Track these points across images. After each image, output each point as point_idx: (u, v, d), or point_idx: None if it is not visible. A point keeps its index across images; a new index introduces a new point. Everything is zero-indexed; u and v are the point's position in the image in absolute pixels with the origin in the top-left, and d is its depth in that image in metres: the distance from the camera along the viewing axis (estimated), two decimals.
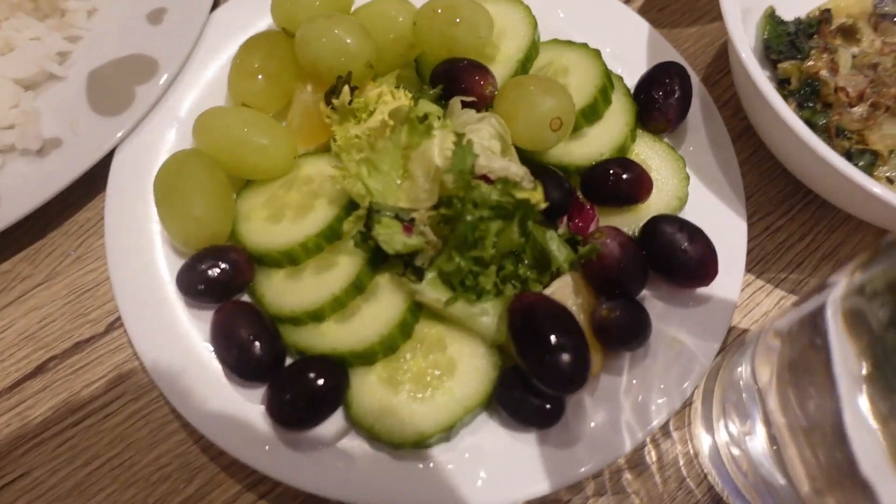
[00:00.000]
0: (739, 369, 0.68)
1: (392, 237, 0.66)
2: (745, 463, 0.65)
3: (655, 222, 0.73)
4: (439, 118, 0.72)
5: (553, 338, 0.61)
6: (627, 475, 0.73)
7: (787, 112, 0.70)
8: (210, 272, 0.69)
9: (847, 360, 0.48)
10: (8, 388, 0.75)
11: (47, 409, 0.74)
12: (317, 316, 0.69)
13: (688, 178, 0.79)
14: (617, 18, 0.91)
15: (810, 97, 0.84)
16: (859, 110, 0.82)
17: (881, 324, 0.44)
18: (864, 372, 0.46)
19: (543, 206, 0.65)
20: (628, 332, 0.67)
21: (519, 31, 0.83)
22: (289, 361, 0.70)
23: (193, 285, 0.70)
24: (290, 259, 0.71)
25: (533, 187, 0.66)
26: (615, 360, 0.71)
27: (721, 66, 0.97)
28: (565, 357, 0.61)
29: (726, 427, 0.68)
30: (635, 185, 0.74)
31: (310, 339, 0.69)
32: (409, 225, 0.67)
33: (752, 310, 0.82)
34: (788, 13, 0.90)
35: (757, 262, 0.84)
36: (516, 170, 0.68)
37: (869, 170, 0.80)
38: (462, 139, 0.65)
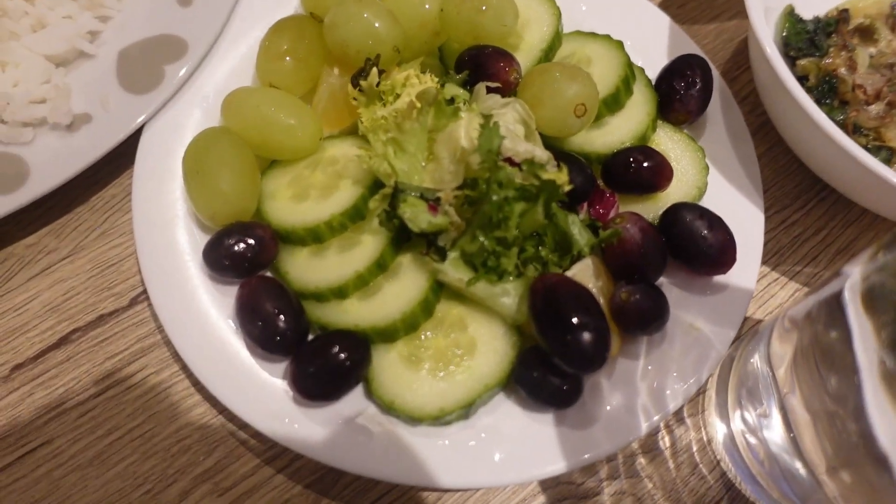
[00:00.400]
0: (754, 359, 0.68)
1: (417, 215, 0.67)
2: (762, 452, 0.65)
3: (676, 209, 0.74)
4: (465, 102, 0.73)
5: (575, 317, 0.62)
6: (641, 459, 0.73)
7: (808, 102, 0.71)
8: (236, 247, 0.70)
9: (866, 338, 0.49)
10: (32, 359, 0.76)
11: (70, 379, 0.75)
12: (340, 292, 0.70)
13: (707, 168, 0.80)
14: (638, 12, 0.92)
15: (828, 94, 0.85)
16: (876, 108, 0.83)
17: None
18: (883, 347, 0.47)
19: (568, 187, 0.66)
20: (647, 316, 0.68)
21: (543, 21, 0.84)
22: (310, 338, 0.71)
23: (219, 260, 0.71)
24: (315, 237, 0.72)
25: (558, 170, 0.67)
26: (632, 344, 0.72)
27: (739, 62, 0.98)
28: (587, 336, 0.62)
29: (742, 416, 0.69)
30: (656, 173, 0.75)
31: (333, 315, 0.70)
32: (434, 204, 0.68)
33: (766, 301, 0.82)
34: (807, 12, 0.91)
35: (772, 255, 0.85)
36: (541, 153, 0.69)
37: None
38: (489, 121, 0.66)
